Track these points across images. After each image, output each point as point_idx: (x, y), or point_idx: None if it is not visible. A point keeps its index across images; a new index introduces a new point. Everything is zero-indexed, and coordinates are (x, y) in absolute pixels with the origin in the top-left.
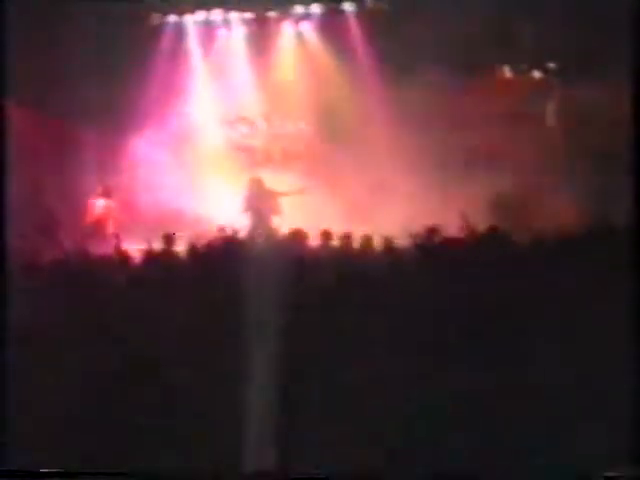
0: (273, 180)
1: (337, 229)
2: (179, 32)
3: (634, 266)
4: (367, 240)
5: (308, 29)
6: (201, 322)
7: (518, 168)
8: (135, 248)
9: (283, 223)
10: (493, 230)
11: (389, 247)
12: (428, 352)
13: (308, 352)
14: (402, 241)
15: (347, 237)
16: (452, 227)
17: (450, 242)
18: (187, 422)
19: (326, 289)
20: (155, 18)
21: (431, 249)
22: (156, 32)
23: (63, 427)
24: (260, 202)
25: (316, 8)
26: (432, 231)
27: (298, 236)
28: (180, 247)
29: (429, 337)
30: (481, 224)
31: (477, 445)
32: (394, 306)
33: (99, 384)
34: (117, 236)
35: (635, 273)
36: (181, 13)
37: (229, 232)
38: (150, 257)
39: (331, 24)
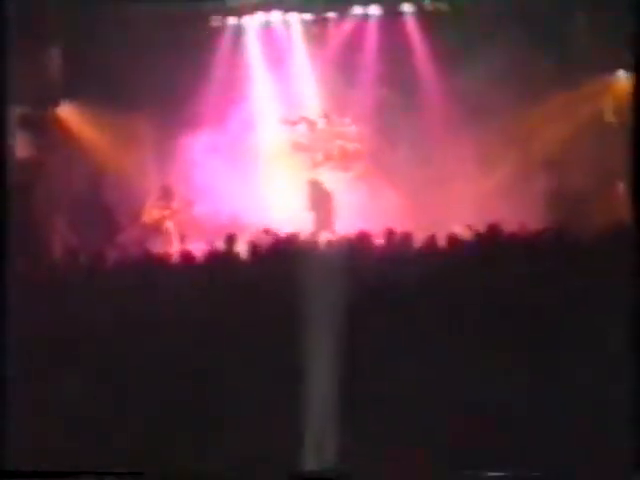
0: (333, 180)
1: (398, 228)
2: (239, 33)
3: None
4: (429, 238)
5: (367, 30)
6: (261, 321)
7: (576, 166)
8: (196, 248)
9: (345, 223)
10: (552, 227)
11: (452, 244)
12: (488, 349)
13: (369, 352)
14: (464, 238)
15: (409, 235)
16: (513, 224)
17: (511, 239)
18: (247, 421)
19: (389, 288)
20: (215, 20)
21: (493, 246)
22: (216, 33)
23: (114, 427)
24: (321, 202)
25: (375, 9)
26: (493, 228)
27: (360, 236)
28: (241, 248)
29: (490, 334)
30: (540, 221)
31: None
32: (456, 304)
33: (162, 380)
34: (178, 237)
35: None
36: (241, 14)
37: (290, 232)
38: (212, 257)
39: (390, 25)
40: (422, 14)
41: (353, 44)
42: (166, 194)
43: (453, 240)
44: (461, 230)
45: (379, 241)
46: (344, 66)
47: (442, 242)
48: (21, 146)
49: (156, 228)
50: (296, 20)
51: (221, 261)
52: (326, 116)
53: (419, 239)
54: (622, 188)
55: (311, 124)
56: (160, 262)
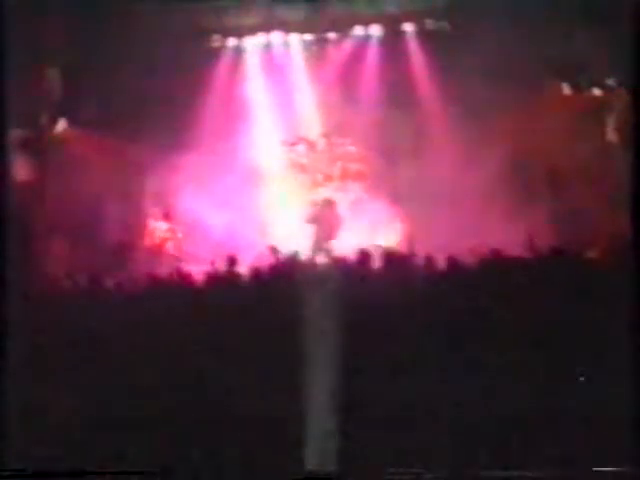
0: (334, 199)
1: (399, 249)
2: (239, 53)
3: None
4: (429, 259)
5: (368, 50)
6: (261, 341)
7: (581, 186)
8: (197, 270)
9: (345, 242)
10: (557, 250)
11: (452, 266)
12: (488, 368)
13: (368, 371)
14: (466, 260)
15: (409, 256)
16: (516, 246)
17: (514, 262)
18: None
19: (389, 308)
20: (215, 40)
21: (495, 269)
22: (216, 53)
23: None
24: (321, 223)
25: (376, 29)
26: (496, 252)
27: (360, 257)
28: (242, 268)
29: (489, 355)
30: (545, 243)
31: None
32: (455, 324)
33: (164, 395)
34: (178, 258)
35: None
36: (241, 35)
37: (290, 252)
38: (213, 278)
39: (391, 45)
40: (423, 34)
41: (354, 65)
42: (166, 216)
43: (453, 262)
44: (463, 252)
45: (379, 262)
46: (345, 87)
47: (442, 264)
48: (20, 168)
49: (157, 250)
50: (297, 41)
51: (222, 282)
52: (326, 137)
53: (419, 260)
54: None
55: (311, 145)
56: (161, 284)
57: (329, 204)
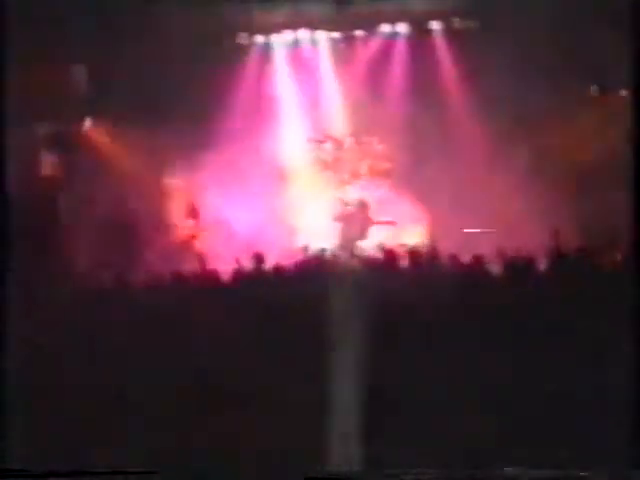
0: (360, 198)
1: (423, 247)
2: (266, 51)
3: None
4: (454, 258)
5: (395, 48)
6: (289, 338)
7: (607, 188)
8: (223, 267)
9: (371, 241)
10: (582, 250)
11: (477, 265)
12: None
13: (395, 369)
14: (491, 259)
15: (434, 255)
16: (542, 246)
17: (539, 262)
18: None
19: (414, 306)
20: (243, 37)
21: (520, 269)
22: (244, 51)
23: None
24: (348, 221)
25: (402, 27)
26: (521, 254)
27: (386, 255)
28: (269, 266)
29: (516, 353)
30: (571, 244)
31: None
32: (480, 323)
33: (186, 393)
34: (204, 256)
35: None
36: (268, 32)
37: (317, 251)
38: (239, 276)
39: (418, 42)
40: (450, 32)
41: (381, 62)
42: (192, 212)
43: (478, 261)
44: (489, 252)
45: (405, 260)
46: (372, 84)
47: (468, 262)
48: (47, 163)
49: (183, 246)
50: (324, 38)
51: (248, 280)
52: (354, 135)
53: (444, 259)
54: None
55: (338, 143)
56: (187, 280)
57: (363, 206)
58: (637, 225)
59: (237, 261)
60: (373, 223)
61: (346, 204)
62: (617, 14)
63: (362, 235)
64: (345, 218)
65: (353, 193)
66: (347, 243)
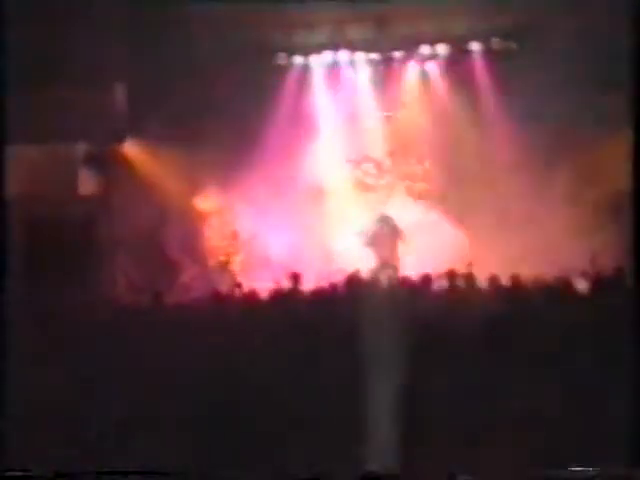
0: (398, 219)
1: (462, 269)
2: (305, 72)
3: None
4: (492, 280)
5: (434, 69)
6: (324, 359)
7: None
8: (261, 287)
9: (409, 263)
10: (619, 273)
11: (515, 287)
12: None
13: (431, 393)
14: (528, 281)
15: (472, 277)
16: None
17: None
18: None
19: (451, 329)
20: (281, 57)
21: (557, 294)
22: (282, 71)
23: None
24: (385, 242)
25: (442, 48)
26: (561, 279)
27: (423, 276)
28: (305, 287)
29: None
30: (609, 268)
31: None
32: (517, 345)
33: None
34: (241, 277)
35: None
36: (307, 53)
37: (354, 272)
38: (277, 296)
39: (457, 63)
40: (490, 52)
41: (420, 83)
42: (230, 232)
43: (517, 283)
44: (527, 276)
45: (442, 282)
46: (410, 106)
47: (506, 284)
48: (86, 182)
49: (221, 266)
50: (363, 59)
51: (285, 299)
52: (392, 155)
53: (483, 281)
54: None
55: (377, 164)
56: (225, 300)
57: (385, 220)
58: None
59: (275, 281)
60: (401, 237)
61: (382, 226)
62: None
63: (394, 252)
64: (381, 239)
65: (390, 214)
66: (382, 263)
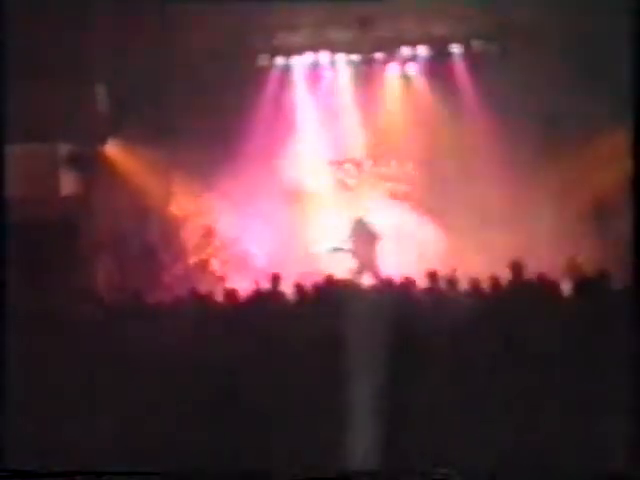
0: (378, 221)
1: (443, 270)
2: (287, 73)
3: None
4: (473, 282)
5: (415, 70)
6: (304, 360)
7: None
8: (239, 288)
9: (389, 264)
10: (601, 274)
11: (496, 289)
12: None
13: (412, 395)
14: (509, 282)
15: (452, 279)
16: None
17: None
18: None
19: (429, 331)
20: (263, 58)
21: (539, 293)
22: (263, 72)
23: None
24: (366, 243)
25: (423, 49)
26: (541, 277)
27: (403, 278)
28: (285, 287)
29: (533, 379)
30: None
31: None
32: (498, 346)
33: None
34: (221, 277)
35: None
36: (289, 54)
37: (334, 273)
38: (257, 297)
39: (438, 65)
40: (471, 54)
41: (401, 85)
42: (209, 233)
43: (496, 284)
44: (507, 274)
45: (423, 284)
46: (391, 108)
47: (486, 286)
48: (67, 183)
49: (201, 267)
50: (344, 60)
51: (266, 301)
52: (373, 157)
53: (464, 282)
54: None
55: (358, 165)
56: (205, 301)
57: (363, 224)
58: None
59: (255, 282)
60: (378, 239)
61: (362, 227)
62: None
63: (372, 254)
64: (361, 240)
65: (368, 217)
66: (363, 266)
